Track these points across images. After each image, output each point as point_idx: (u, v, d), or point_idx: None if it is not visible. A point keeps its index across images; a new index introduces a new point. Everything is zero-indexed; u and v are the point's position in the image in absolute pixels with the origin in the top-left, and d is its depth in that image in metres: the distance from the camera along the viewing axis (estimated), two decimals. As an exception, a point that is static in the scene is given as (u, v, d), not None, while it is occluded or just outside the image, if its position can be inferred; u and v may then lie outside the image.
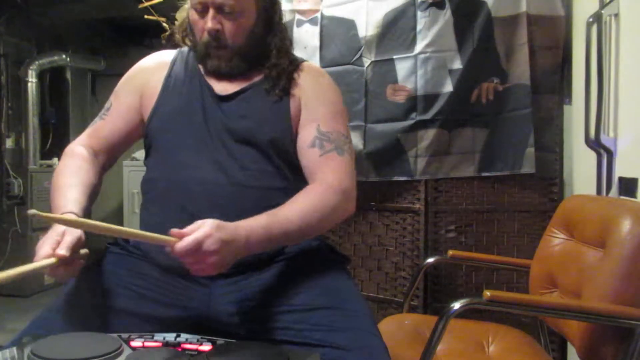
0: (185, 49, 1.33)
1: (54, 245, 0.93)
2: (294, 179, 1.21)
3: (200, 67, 1.26)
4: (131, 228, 0.95)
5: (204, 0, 1.15)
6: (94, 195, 1.16)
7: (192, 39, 1.25)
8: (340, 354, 0.99)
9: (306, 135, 1.21)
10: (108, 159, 1.28)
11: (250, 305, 1.10)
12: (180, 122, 1.20)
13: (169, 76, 1.26)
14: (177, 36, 1.34)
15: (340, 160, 1.19)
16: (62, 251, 0.92)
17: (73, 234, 0.96)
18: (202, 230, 0.91)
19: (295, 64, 1.28)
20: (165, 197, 1.16)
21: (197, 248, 0.89)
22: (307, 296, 1.09)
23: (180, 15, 1.35)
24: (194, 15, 1.20)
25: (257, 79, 1.25)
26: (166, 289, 1.13)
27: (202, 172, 1.14)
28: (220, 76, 1.23)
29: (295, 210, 1.07)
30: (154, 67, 1.30)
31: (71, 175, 1.15)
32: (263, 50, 1.25)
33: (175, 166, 1.17)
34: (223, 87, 1.23)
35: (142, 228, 1.18)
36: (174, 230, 0.91)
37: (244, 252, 0.98)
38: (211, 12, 1.16)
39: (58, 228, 0.97)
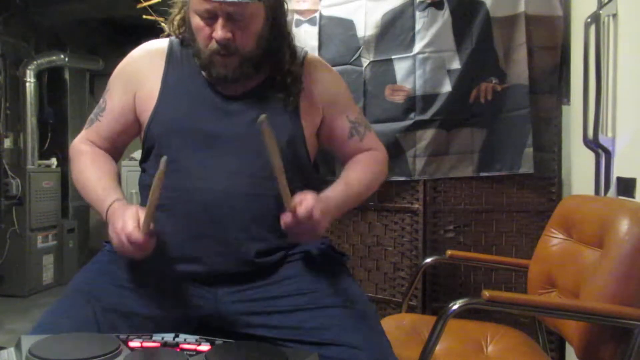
0: (175, 39, 1.25)
1: (136, 222, 1.00)
2: (300, 183, 1.18)
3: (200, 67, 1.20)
4: None
5: (212, 9, 1.07)
6: (118, 180, 1.21)
7: (194, 44, 1.16)
8: (353, 353, 1.00)
9: (342, 128, 1.28)
10: (113, 154, 1.27)
11: (258, 304, 1.10)
12: (185, 127, 1.15)
13: (166, 74, 1.20)
14: (168, 30, 1.26)
15: (372, 134, 1.33)
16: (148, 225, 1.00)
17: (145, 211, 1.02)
18: (310, 202, 1.02)
19: (301, 61, 1.24)
20: (171, 207, 1.12)
21: (310, 217, 1.01)
22: (315, 296, 1.10)
23: (174, 10, 1.31)
24: (198, 22, 1.11)
25: (263, 78, 1.20)
26: (171, 288, 1.12)
27: (209, 182, 1.11)
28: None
29: (362, 180, 1.24)
30: (145, 61, 1.23)
31: (92, 168, 1.19)
32: (269, 52, 1.18)
33: (181, 175, 1.12)
34: (229, 87, 1.18)
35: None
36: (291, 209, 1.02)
37: (330, 220, 1.12)
38: (221, 20, 1.08)
39: (130, 208, 1.03)
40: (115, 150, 1.27)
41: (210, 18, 1.09)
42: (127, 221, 1.00)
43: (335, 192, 1.15)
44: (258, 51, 1.15)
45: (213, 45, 1.11)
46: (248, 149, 1.14)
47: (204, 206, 1.11)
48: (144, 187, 1.20)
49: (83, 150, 1.23)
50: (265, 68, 1.20)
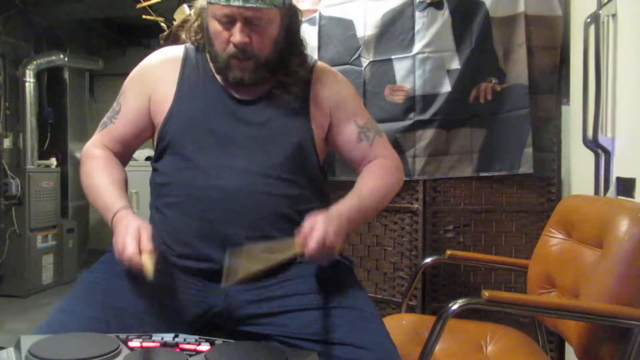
0: (190, 45, 1.29)
1: (137, 242, 1.02)
2: (308, 185, 1.22)
3: (214, 70, 1.24)
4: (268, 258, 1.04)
5: (230, 13, 1.11)
6: (126, 188, 1.23)
7: (211, 49, 1.20)
8: (361, 354, 1.01)
9: (350, 133, 1.28)
10: (124, 157, 1.30)
11: (267, 302, 1.11)
12: (200, 128, 1.19)
13: (181, 78, 1.23)
14: (183, 37, 1.30)
15: (383, 140, 1.33)
16: (149, 246, 1.02)
17: (147, 228, 1.05)
18: (320, 229, 1.01)
19: (310, 67, 1.28)
20: (184, 204, 1.16)
21: (323, 246, 1.01)
22: (323, 296, 1.11)
23: (179, 16, 1.34)
24: (216, 27, 1.15)
25: (274, 83, 1.24)
26: (181, 285, 1.13)
27: (222, 180, 1.14)
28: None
29: (376, 192, 1.22)
30: (161, 66, 1.27)
31: (103, 174, 1.20)
32: (283, 57, 1.22)
33: (195, 173, 1.16)
34: (242, 91, 1.22)
35: (156, 231, 1.17)
36: (299, 238, 1.03)
37: (347, 232, 1.12)
38: (239, 25, 1.12)
39: (132, 224, 1.04)
40: (126, 153, 1.31)
41: (228, 23, 1.13)
42: (128, 243, 1.01)
43: (349, 205, 1.13)
44: (273, 56, 1.19)
45: (231, 49, 1.15)
46: (259, 149, 1.18)
47: (215, 204, 1.13)
48: (155, 185, 1.24)
49: (95, 155, 1.25)
50: (279, 73, 1.23)
